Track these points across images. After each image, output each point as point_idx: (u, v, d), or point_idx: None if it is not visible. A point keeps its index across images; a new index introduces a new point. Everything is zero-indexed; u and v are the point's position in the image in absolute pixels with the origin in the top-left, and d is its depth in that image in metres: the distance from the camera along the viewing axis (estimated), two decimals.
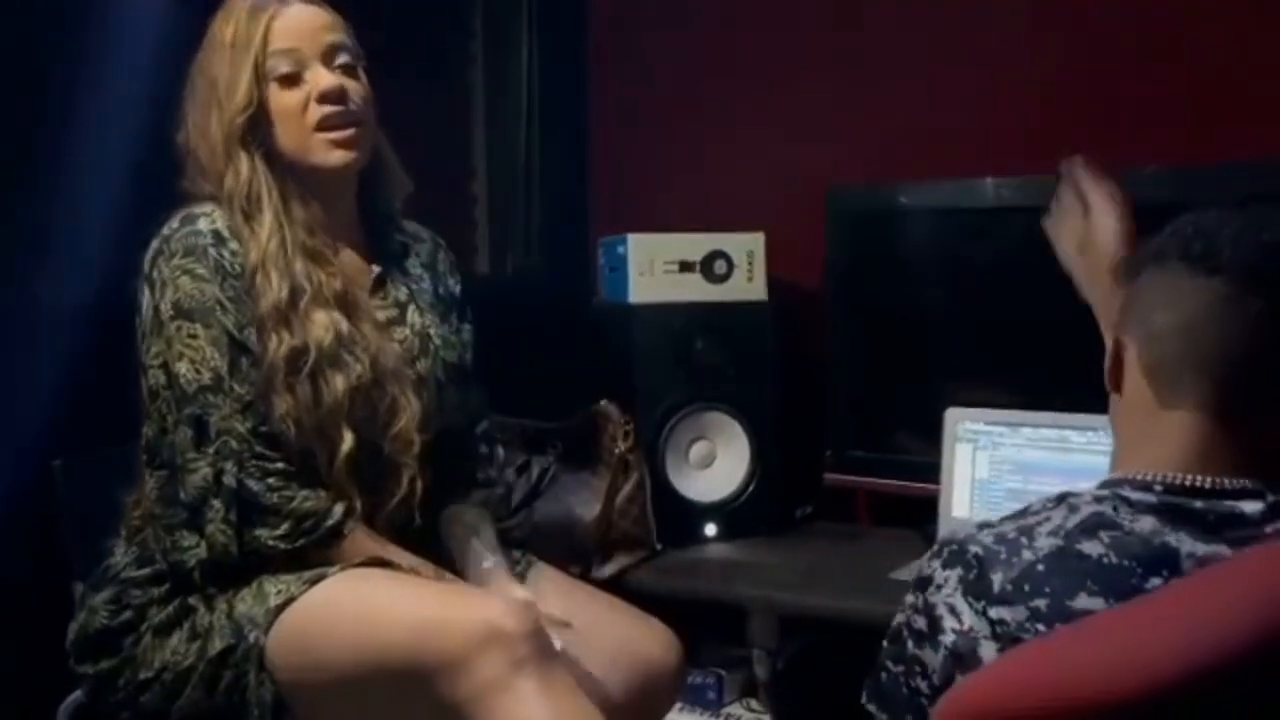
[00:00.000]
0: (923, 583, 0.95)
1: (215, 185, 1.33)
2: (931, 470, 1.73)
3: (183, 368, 1.26)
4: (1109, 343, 1.01)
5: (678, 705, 1.64)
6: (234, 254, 1.30)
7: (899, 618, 0.97)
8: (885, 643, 0.98)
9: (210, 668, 1.24)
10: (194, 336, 1.26)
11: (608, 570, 1.71)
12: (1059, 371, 1.55)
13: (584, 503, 1.73)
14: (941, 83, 1.97)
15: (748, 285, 1.93)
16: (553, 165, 2.31)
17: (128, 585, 1.31)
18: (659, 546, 1.80)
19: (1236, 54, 1.76)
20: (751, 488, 1.91)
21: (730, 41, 2.18)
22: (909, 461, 1.86)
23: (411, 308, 1.44)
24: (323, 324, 1.29)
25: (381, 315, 1.40)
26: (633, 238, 1.90)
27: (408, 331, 1.42)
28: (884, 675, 0.98)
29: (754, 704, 1.79)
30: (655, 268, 1.90)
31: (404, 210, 1.50)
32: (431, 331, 1.43)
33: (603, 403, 1.76)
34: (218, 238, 1.30)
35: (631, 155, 2.31)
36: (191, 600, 1.27)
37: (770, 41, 2.14)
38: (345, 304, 1.34)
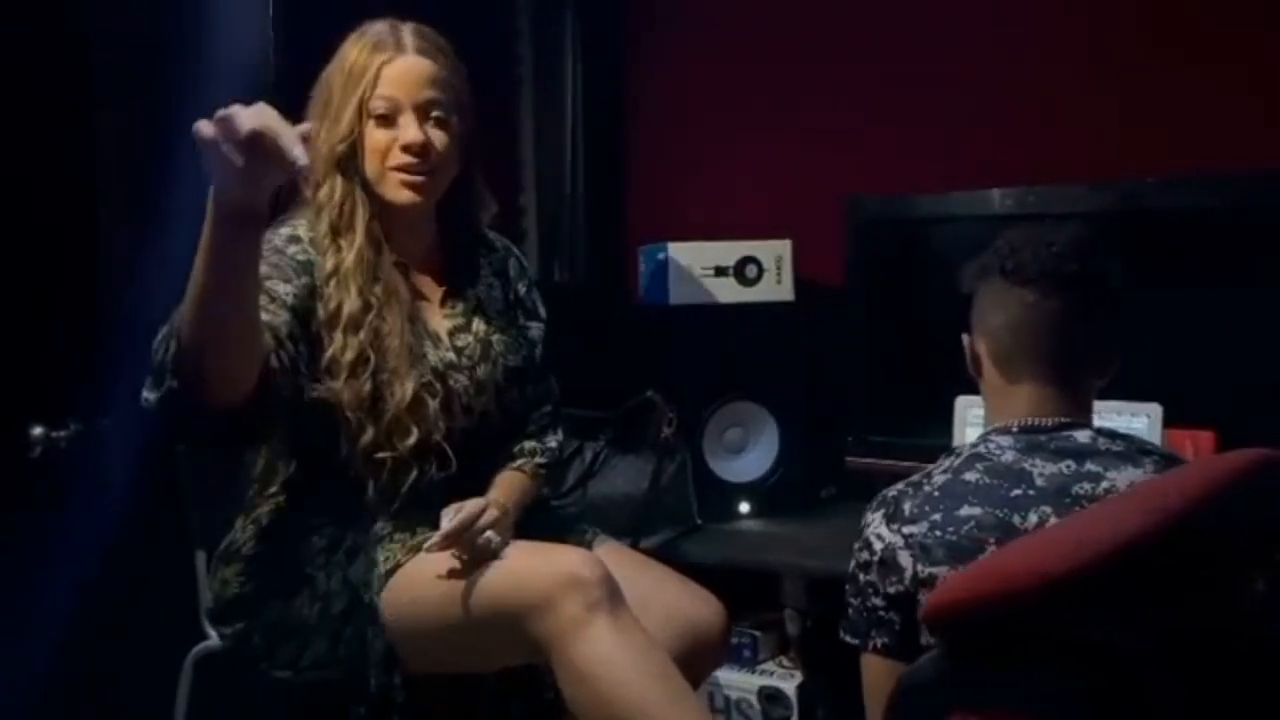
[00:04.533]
0: (861, 529, 1.24)
1: (313, 190, 1.47)
2: (944, 452, 1.91)
3: None
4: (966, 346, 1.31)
5: None
6: (302, 250, 1.44)
7: (851, 563, 1.25)
8: (847, 584, 1.26)
9: (332, 625, 1.43)
10: None
11: (654, 541, 1.90)
12: None
13: (633, 482, 1.91)
14: (953, 101, 2.14)
15: (777, 287, 2.10)
16: (595, 181, 2.49)
17: (249, 559, 1.49)
18: (699, 521, 1.99)
19: (1238, 63, 1.90)
20: (780, 470, 2.09)
21: (758, 69, 2.36)
22: (923, 445, 2.00)
23: (477, 318, 1.57)
24: (389, 333, 1.44)
25: (448, 324, 1.55)
26: (672, 246, 2.07)
27: (470, 339, 1.55)
28: (850, 610, 1.25)
29: (786, 660, 1.97)
30: (692, 272, 2.08)
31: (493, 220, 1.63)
32: (494, 339, 1.57)
33: (650, 393, 1.94)
34: (292, 238, 1.45)
35: (669, 170, 2.49)
36: (309, 570, 1.46)
37: (795, 68, 2.32)
38: (408, 317, 1.47)
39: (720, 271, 2.09)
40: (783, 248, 2.11)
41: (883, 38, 2.23)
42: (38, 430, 1.66)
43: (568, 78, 2.48)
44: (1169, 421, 1.72)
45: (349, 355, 1.43)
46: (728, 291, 2.09)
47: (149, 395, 1.23)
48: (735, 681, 1.95)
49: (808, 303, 2.13)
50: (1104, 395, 1.73)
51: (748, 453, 2.11)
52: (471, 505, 1.41)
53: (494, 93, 2.43)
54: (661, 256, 2.10)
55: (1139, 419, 1.75)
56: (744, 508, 2.08)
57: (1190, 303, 1.79)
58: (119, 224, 1.72)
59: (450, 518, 1.39)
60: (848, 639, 1.24)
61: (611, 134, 2.54)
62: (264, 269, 1.31)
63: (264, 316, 1.30)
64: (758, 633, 1.99)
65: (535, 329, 1.66)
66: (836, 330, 2.15)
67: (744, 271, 2.10)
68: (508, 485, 1.57)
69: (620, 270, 2.45)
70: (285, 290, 1.40)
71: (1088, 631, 0.90)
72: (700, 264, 2.09)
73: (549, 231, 2.51)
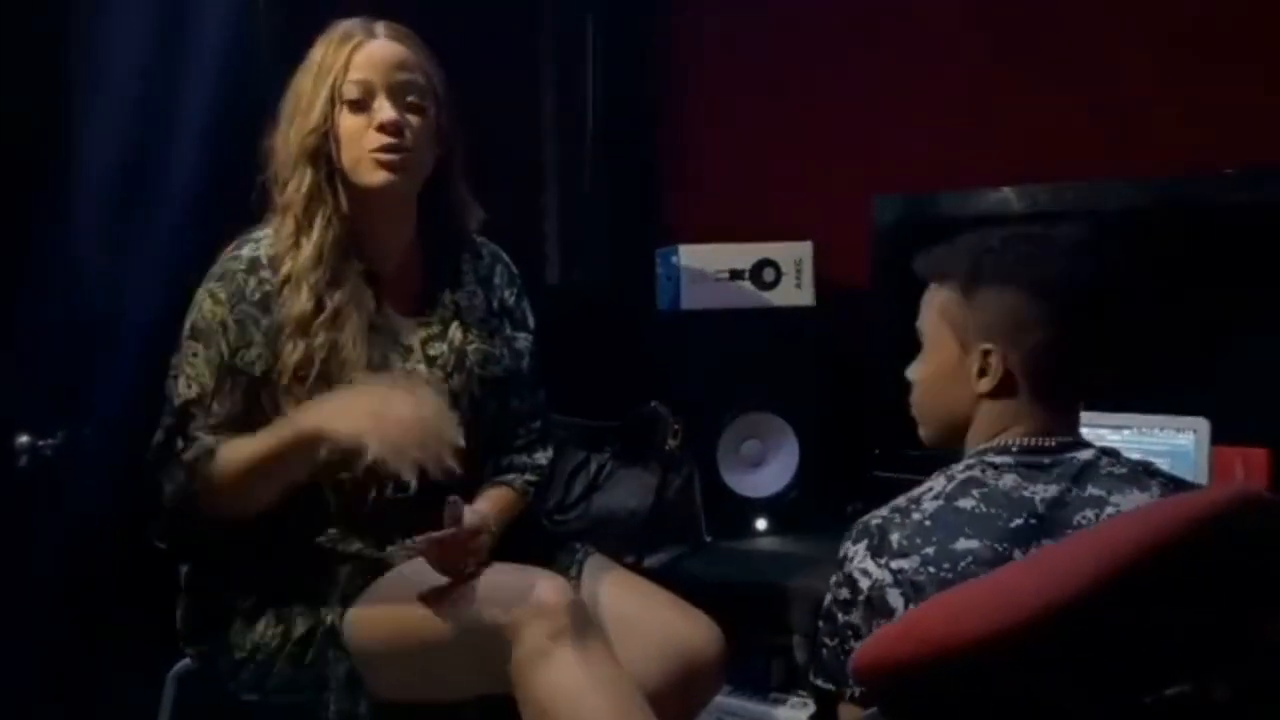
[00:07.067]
0: (841, 562, 1.11)
1: (281, 191, 1.42)
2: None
3: (180, 383, 1.38)
4: (966, 353, 1.18)
5: (726, 689, 1.71)
6: (261, 281, 1.38)
7: (826, 599, 1.12)
8: (820, 623, 1.13)
9: (295, 648, 1.37)
10: (195, 355, 1.38)
11: (658, 560, 1.81)
12: None
13: (637, 496, 1.83)
14: (977, 97, 2.04)
15: (796, 292, 2.00)
16: (617, 182, 2.42)
17: (217, 577, 1.44)
18: (708, 538, 1.90)
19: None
20: (800, 485, 1.99)
21: (777, 70, 2.29)
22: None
23: (454, 325, 1.49)
24: (345, 344, 1.37)
25: (423, 333, 1.47)
26: (684, 248, 1.99)
27: (445, 347, 1.47)
28: (824, 651, 1.12)
29: (800, 689, 1.86)
30: (706, 276, 1.98)
31: (480, 226, 1.56)
32: (469, 349, 1.48)
33: (653, 404, 1.86)
34: (252, 265, 1.39)
35: (691, 171, 2.42)
36: (271, 590, 1.39)
37: (815, 69, 2.25)
38: (370, 327, 1.41)
39: (736, 275, 2.00)
40: (802, 250, 2.01)
41: (908, 34, 2.14)
42: (23, 439, 1.63)
43: (590, 77, 2.41)
44: (1217, 438, 1.57)
45: (294, 358, 1.36)
46: (744, 296, 1.99)
47: (153, 531, 1.44)
48: (749, 711, 1.84)
49: (829, 307, 2.02)
50: (1145, 409, 1.61)
51: (765, 466, 2.01)
52: (468, 521, 1.31)
53: (516, 91, 2.40)
54: (674, 259, 2.01)
55: (1184, 435, 1.60)
56: (761, 525, 1.98)
57: (1242, 308, 1.64)
58: (102, 229, 1.70)
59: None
60: (819, 683, 1.12)
61: (635, 135, 2.47)
62: (230, 325, 1.39)
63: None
64: (770, 658, 1.87)
65: (523, 340, 1.57)
66: (861, 336, 2.04)
67: (761, 275, 2.00)
68: (494, 501, 1.49)
69: (645, 274, 2.37)
70: (253, 355, 1.39)
71: (1031, 693, 0.78)
72: (715, 267, 1.99)
73: (569, 233, 2.45)
